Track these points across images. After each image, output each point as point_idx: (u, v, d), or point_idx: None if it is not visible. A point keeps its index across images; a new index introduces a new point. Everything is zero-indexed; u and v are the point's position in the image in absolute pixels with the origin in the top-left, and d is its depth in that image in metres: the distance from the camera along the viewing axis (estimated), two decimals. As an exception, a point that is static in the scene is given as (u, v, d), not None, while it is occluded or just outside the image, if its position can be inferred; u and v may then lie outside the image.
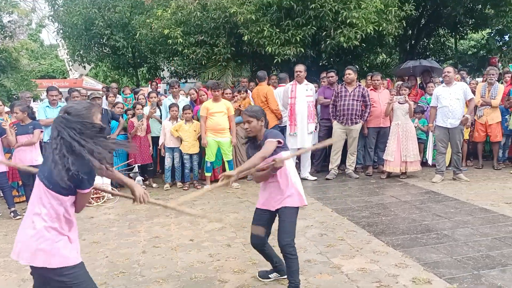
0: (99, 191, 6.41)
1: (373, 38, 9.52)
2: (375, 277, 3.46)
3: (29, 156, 5.86)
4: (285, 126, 7.51)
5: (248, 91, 8.13)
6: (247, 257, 4.01)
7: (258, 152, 3.12)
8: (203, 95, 7.52)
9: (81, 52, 13.45)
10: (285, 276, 3.32)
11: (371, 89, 7.72)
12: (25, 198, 6.41)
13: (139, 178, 7.48)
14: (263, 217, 3.31)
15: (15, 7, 11.78)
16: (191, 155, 7.25)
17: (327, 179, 7.36)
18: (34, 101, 7.68)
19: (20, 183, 6.61)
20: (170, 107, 7.37)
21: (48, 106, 6.90)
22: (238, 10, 9.18)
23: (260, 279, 3.50)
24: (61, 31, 13.11)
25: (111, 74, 18.67)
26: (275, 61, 9.44)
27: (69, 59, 17.94)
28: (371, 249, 4.09)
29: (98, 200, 6.45)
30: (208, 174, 7.20)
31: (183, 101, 7.88)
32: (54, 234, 2.20)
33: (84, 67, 14.80)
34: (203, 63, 10.89)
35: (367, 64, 12.52)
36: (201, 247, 4.35)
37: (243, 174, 3.13)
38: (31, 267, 2.24)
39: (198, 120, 7.24)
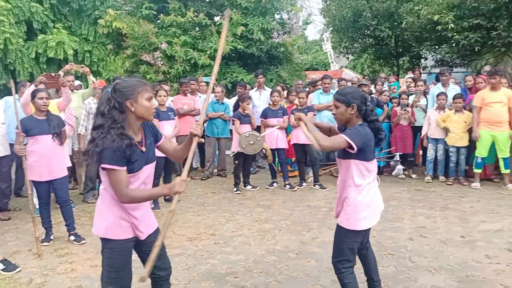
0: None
1: None
2: None
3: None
4: None
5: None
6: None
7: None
8: (481, 83, 6.77)
9: (346, 44, 14.17)
10: None
11: None
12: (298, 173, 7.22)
13: (400, 167, 7.40)
14: None
15: (293, 5, 13.26)
16: (458, 148, 6.69)
17: None
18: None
19: (293, 159, 7.47)
20: (437, 96, 6.99)
21: (321, 93, 7.55)
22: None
23: None
24: (330, 25, 14.10)
25: (369, 65, 18.99)
26: None
27: (332, 52, 19.14)
28: None
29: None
30: (477, 171, 6.51)
31: (453, 89, 7.33)
32: None
33: (348, 58, 15.49)
34: (476, 49, 9.83)
35: None
36: (475, 245, 4.00)
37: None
38: None
39: (470, 110, 6.61)
